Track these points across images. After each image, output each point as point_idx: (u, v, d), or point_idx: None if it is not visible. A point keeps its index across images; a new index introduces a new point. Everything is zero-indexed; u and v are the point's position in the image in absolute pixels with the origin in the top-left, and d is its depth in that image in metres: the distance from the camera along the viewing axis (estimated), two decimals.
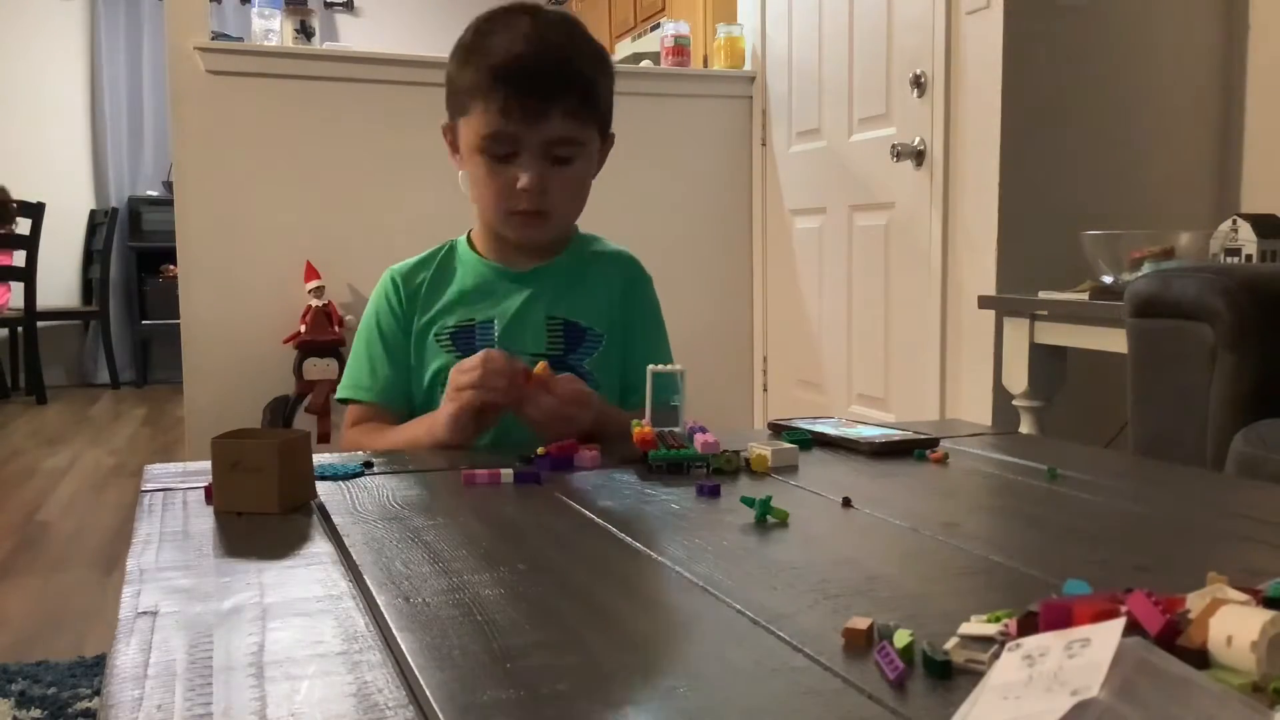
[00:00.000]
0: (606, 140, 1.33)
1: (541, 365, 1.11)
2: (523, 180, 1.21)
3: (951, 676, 0.51)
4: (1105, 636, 0.37)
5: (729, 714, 0.48)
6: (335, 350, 3.01)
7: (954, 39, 2.54)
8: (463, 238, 1.38)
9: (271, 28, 3.23)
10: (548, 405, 1.10)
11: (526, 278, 1.31)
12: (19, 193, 5.49)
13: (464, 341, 1.28)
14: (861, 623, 0.56)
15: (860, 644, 0.55)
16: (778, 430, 1.17)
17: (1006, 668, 0.39)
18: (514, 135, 1.21)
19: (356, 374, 1.32)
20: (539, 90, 1.20)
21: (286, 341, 3.00)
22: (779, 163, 3.37)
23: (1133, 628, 0.51)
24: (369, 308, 1.34)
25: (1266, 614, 0.46)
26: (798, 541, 0.76)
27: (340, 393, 1.33)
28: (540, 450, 1.01)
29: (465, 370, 1.11)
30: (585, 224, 1.40)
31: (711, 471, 0.98)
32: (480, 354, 1.11)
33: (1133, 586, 0.59)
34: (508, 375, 1.10)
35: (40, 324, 5.45)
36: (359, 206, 3.02)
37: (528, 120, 1.20)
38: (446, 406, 1.13)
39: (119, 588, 0.66)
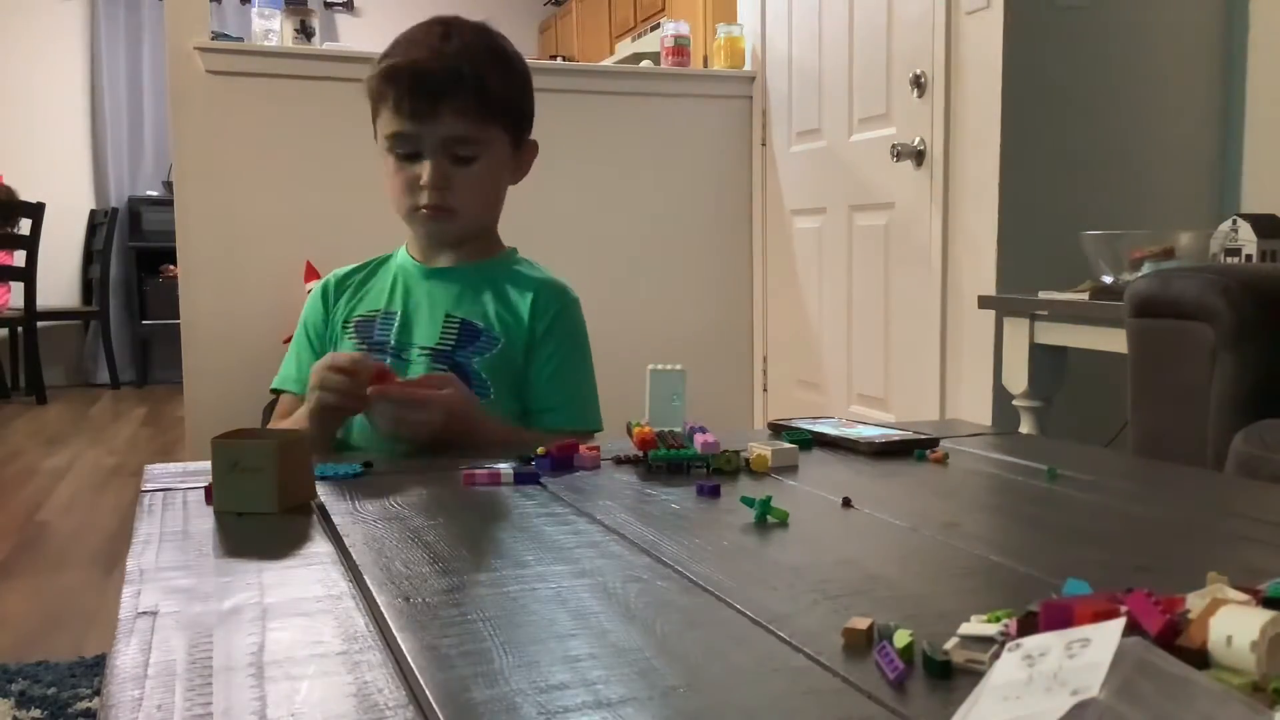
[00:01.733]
0: (525, 146, 1.37)
1: (379, 365, 1.12)
2: (423, 176, 1.27)
3: (951, 676, 0.51)
4: (1105, 636, 0.37)
5: (729, 714, 0.47)
6: None
7: (954, 39, 2.54)
8: (404, 247, 1.43)
9: (271, 28, 3.23)
10: (383, 408, 1.11)
11: (436, 274, 1.35)
12: (20, 193, 5.50)
13: (364, 330, 1.33)
14: (861, 623, 0.56)
15: (860, 644, 0.55)
16: (778, 430, 1.17)
17: (1006, 668, 0.39)
18: (413, 135, 1.27)
19: (285, 367, 1.38)
20: (428, 89, 1.25)
21: (286, 341, 2.99)
22: (779, 163, 3.37)
23: (1133, 628, 0.51)
24: (305, 307, 1.42)
25: (1267, 614, 0.46)
26: (798, 541, 0.76)
27: (273, 384, 1.38)
28: (540, 450, 1.01)
29: (315, 369, 1.15)
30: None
31: (711, 471, 0.98)
32: (329, 354, 1.17)
33: (1133, 587, 0.59)
34: (350, 374, 1.11)
35: (40, 324, 5.45)
36: (359, 206, 3.02)
37: (420, 119, 1.25)
38: (308, 401, 1.16)
39: (119, 588, 0.66)
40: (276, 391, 1.37)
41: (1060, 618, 0.50)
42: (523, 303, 1.34)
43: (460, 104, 1.26)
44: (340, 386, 1.11)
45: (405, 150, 1.28)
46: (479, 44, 1.31)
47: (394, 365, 1.25)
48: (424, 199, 1.29)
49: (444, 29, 1.30)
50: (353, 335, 1.34)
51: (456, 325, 1.33)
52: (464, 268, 1.36)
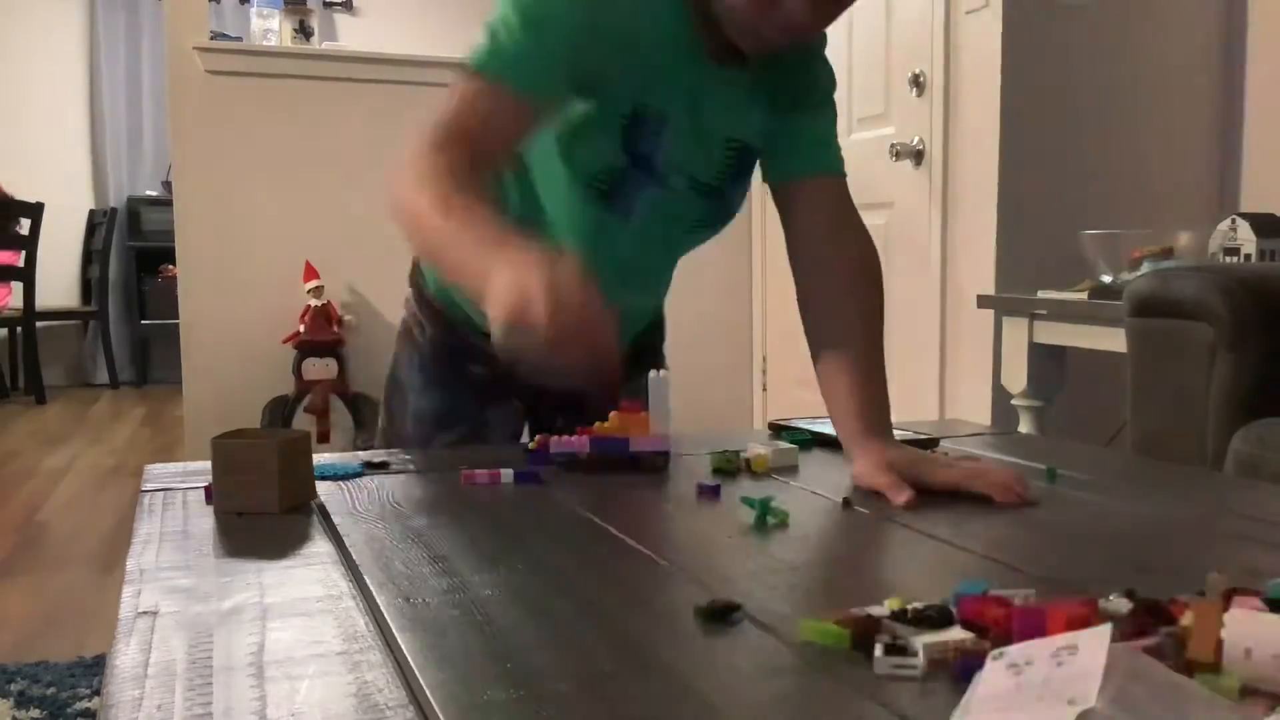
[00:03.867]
0: None
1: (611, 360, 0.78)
2: (792, 15, 0.96)
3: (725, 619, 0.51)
4: (1093, 644, 0.37)
5: (729, 714, 0.48)
6: (334, 350, 3.00)
7: (953, 39, 2.54)
8: None
9: (271, 28, 3.23)
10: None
11: (731, 85, 1.08)
12: (19, 193, 5.49)
13: (631, 132, 1.04)
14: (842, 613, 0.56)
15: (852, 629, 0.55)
16: (778, 430, 1.17)
17: (993, 677, 0.39)
18: None
19: (517, 56, 0.97)
20: None
21: (286, 341, 3.00)
22: None
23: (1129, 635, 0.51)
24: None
25: None
26: (798, 541, 0.76)
27: (480, 63, 0.97)
28: (532, 445, 1.01)
29: (566, 305, 0.75)
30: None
31: (712, 471, 0.98)
32: (592, 308, 0.76)
33: (1134, 587, 0.59)
34: (591, 350, 0.76)
35: (40, 324, 5.45)
36: (359, 206, 3.02)
37: None
38: (504, 281, 0.77)
39: (119, 588, 0.66)
40: (496, 78, 0.97)
41: (1034, 625, 0.50)
42: (800, 94, 1.12)
43: None
44: (573, 357, 0.76)
45: None
46: None
47: (654, 197, 1.06)
48: (779, 35, 0.99)
49: None
50: (622, 147, 1.05)
51: (737, 151, 1.11)
52: (764, 71, 1.09)
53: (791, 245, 1.16)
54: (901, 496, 0.87)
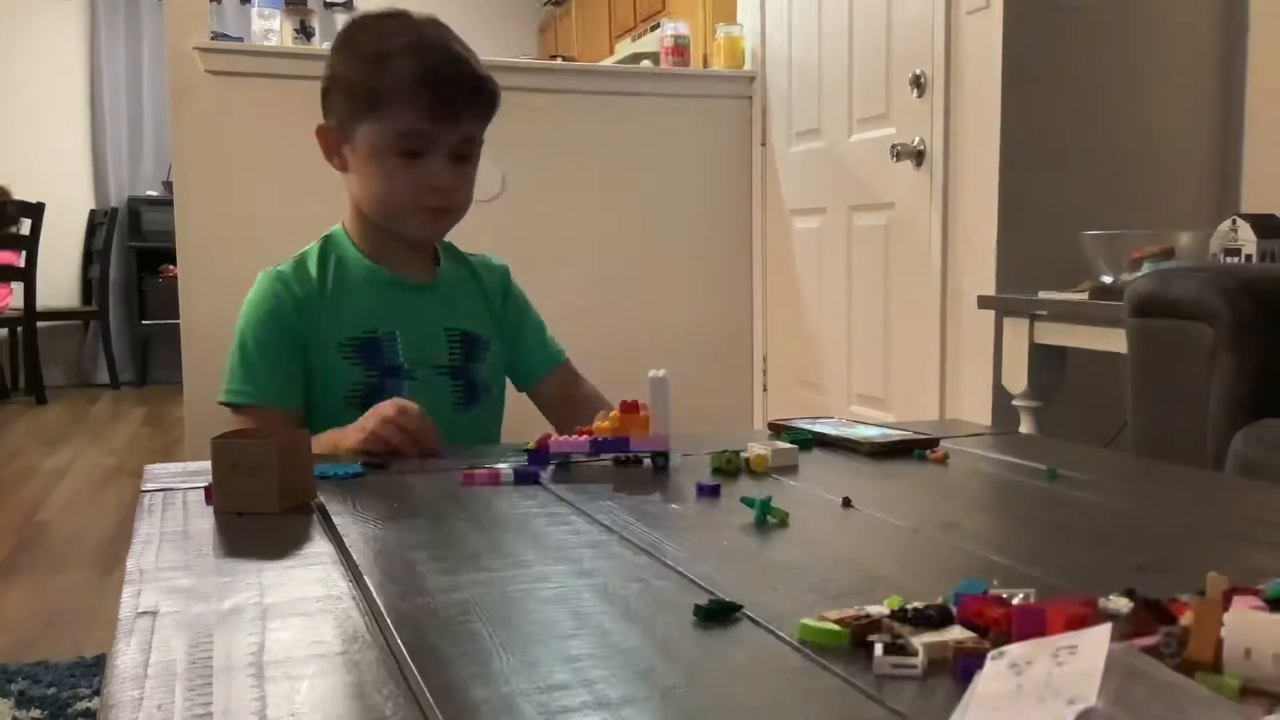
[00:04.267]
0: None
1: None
2: (439, 177, 1.28)
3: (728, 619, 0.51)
4: (1093, 643, 0.37)
5: (729, 714, 0.48)
6: None
7: (954, 39, 2.54)
8: (340, 235, 1.39)
9: (271, 28, 3.23)
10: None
11: (424, 290, 1.36)
12: (19, 193, 5.49)
13: (369, 353, 1.30)
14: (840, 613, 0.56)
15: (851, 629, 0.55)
16: (778, 430, 1.17)
17: (992, 677, 0.39)
18: (429, 134, 1.27)
19: (258, 378, 1.31)
20: (460, 92, 1.28)
21: None
22: (779, 163, 3.37)
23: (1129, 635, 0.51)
24: (252, 312, 1.34)
25: None
26: (798, 541, 0.76)
27: (233, 397, 1.32)
28: (531, 444, 1.02)
29: (381, 415, 1.11)
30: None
31: (712, 471, 0.98)
32: (397, 405, 1.11)
33: (1134, 587, 0.59)
34: (416, 435, 1.10)
35: (40, 324, 5.45)
36: None
37: (446, 120, 1.27)
38: (353, 435, 1.12)
39: (119, 588, 0.66)
40: (234, 406, 1.31)
41: (1034, 624, 0.50)
42: (493, 298, 1.43)
43: (480, 106, 1.31)
44: (414, 436, 1.09)
45: (415, 148, 1.27)
46: (468, 47, 1.34)
47: (410, 387, 1.28)
48: (432, 199, 1.30)
49: (435, 26, 1.32)
50: (355, 360, 1.30)
51: (459, 337, 1.36)
52: (442, 279, 1.39)
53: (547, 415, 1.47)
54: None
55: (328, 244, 1.38)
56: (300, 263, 1.36)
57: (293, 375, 1.31)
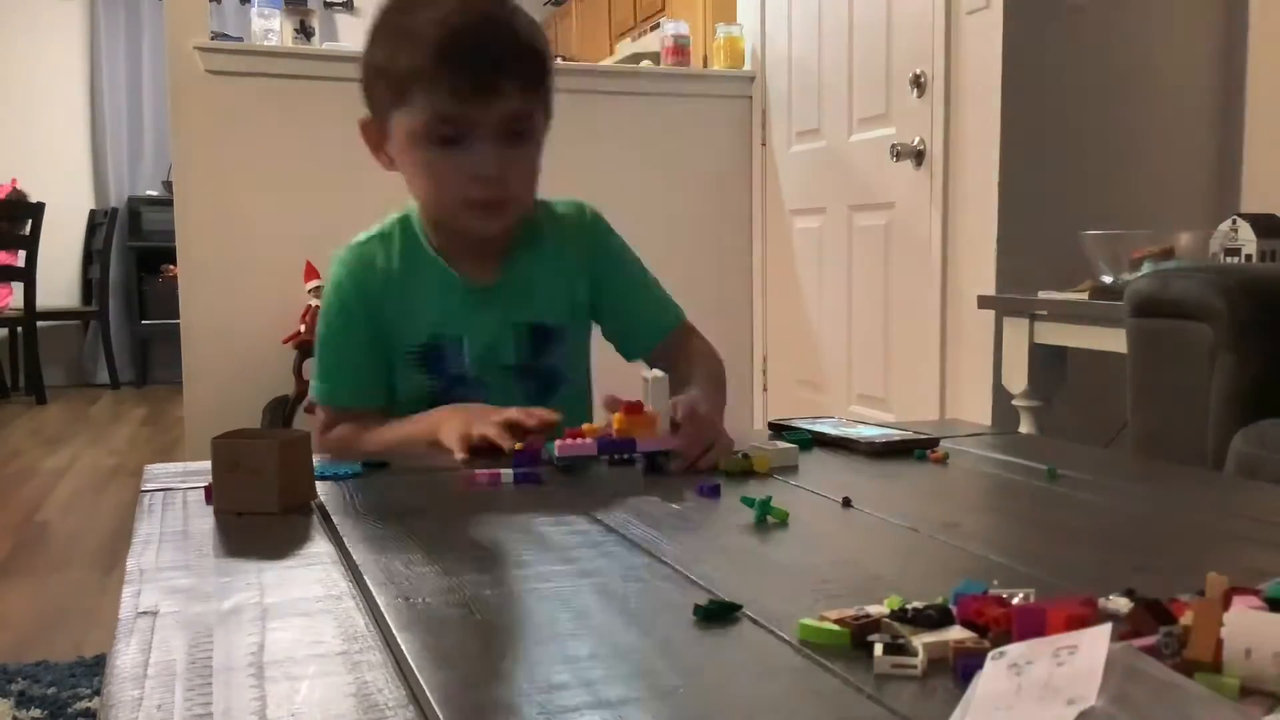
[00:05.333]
0: (548, 120, 1.21)
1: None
2: (483, 165, 1.11)
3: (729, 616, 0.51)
4: (1093, 643, 0.37)
5: (729, 714, 0.48)
6: None
7: (954, 39, 2.54)
8: (414, 220, 1.25)
9: (271, 28, 3.23)
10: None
11: (491, 293, 1.23)
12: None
13: (435, 361, 1.22)
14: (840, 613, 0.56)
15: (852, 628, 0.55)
16: (778, 430, 1.17)
17: (992, 677, 0.39)
18: (465, 116, 1.10)
19: (338, 375, 1.24)
20: (490, 63, 1.09)
21: (286, 341, 3.00)
22: (779, 163, 3.37)
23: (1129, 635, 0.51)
24: (326, 305, 1.26)
25: None
26: (798, 541, 0.76)
27: (321, 396, 1.24)
28: (518, 445, 1.00)
29: (486, 416, 1.07)
30: None
31: (725, 474, 0.98)
32: (488, 409, 1.08)
33: (1133, 587, 0.59)
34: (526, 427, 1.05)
35: (40, 324, 5.45)
36: (359, 206, 3.01)
37: (481, 98, 1.09)
38: (453, 425, 1.08)
39: (119, 588, 0.66)
40: (328, 405, 1.23)
41: (1034, 624, 0.50)
42: (569, 270, 1.27)
43: (523, 77, 1.12)
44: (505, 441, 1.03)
45: (451, 134, 1.11)
46: (513, 6, 1.16)
47: (478, 393, 1.21)
48: (479, 191, 1.13)
49: None
50: (420, 368, 1.22)
51: (527, 333, 1.24)
52: (511, 276, 1.24)
53: None
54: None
55: (403, 231, 1.25)
56: (373, 250, 1.24)
57: (371, 371, 1.23)
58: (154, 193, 6.09)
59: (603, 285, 1.29)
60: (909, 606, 0.56)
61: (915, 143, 2.68)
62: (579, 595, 0.63)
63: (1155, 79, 2.51)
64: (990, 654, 0.40)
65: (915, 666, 0.51)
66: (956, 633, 0.54)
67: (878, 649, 0.52)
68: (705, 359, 1.33)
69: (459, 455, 1.03)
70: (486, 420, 1.06)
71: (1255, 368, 1.60)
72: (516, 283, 1.25)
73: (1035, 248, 2.41)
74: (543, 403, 1.21)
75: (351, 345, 1.23)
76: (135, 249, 5.99)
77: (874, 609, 0.57)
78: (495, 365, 1.23)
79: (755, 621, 0.59)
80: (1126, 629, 0.51)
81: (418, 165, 1.15)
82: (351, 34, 6.16)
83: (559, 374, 1.27)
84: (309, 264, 3.00)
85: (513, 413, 1.06)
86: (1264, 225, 2.04)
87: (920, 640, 0.52)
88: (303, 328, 2.98)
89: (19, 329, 5.55)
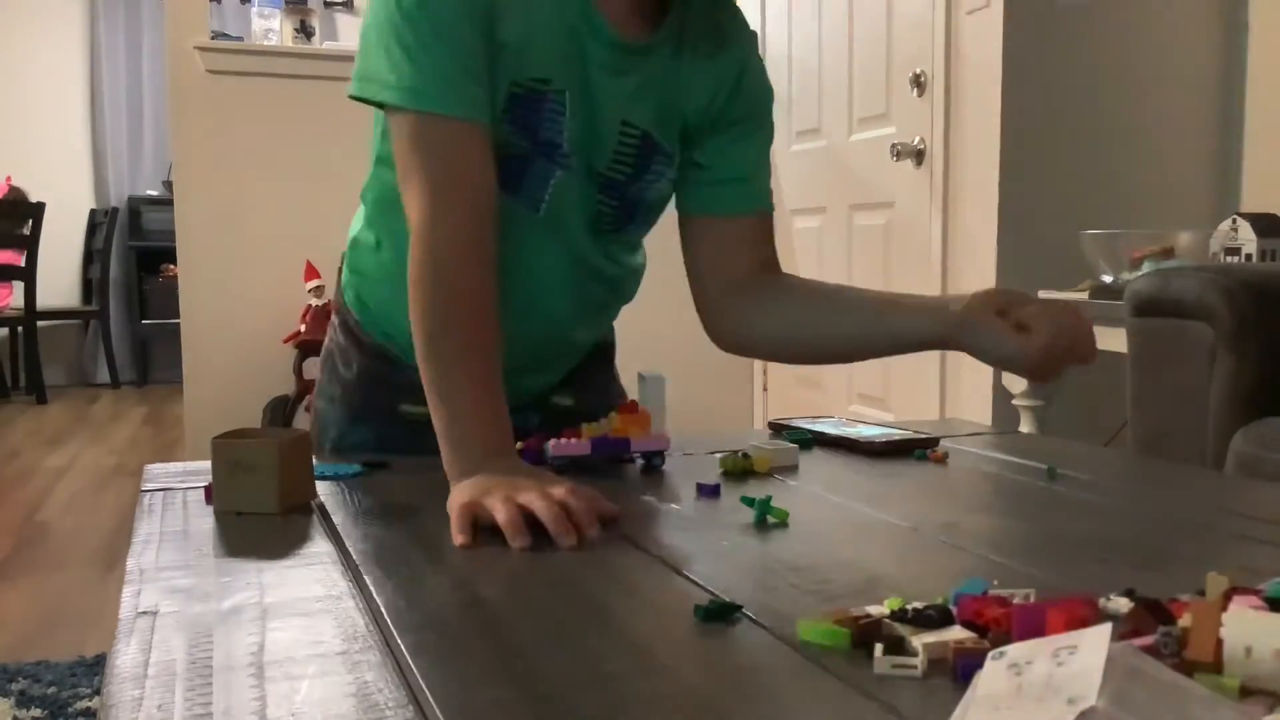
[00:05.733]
0: None
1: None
2: None
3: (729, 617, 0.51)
4: (1093, 643, 0.37)
5: (729, 714, 0.47)
6: None
7: (954, 39, 2.54)
8: None
9: (271, 27, 3.24)
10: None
11: (633, 57, 0.95)
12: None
13: (527, 117, 0.93)
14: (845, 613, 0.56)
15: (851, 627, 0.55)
16: (778, 430, 1.17)
17: (992, 677, 0.39)
18: None
19: (425, 63, 0.87)
20: None
21: (286, 341, 3.00)
22: (778, 163, 3.37)
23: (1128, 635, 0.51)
24: None
25: None
26: (798, 541, 0.76)
27: (395, 94, 0.87)
28: (519, 445, 1.00)
29: (547, 494, 0.75)
30: None
31: (722, 474, 0.98)
32: (568, 495, 0.75)
33: (1133, 587, 0.59)
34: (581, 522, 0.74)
35: (40, 323, 5.46)
36: (359, 206, 3.01)
37: None
38: (500, 495, 0.75)
39: (119, 588, 0.66)
40: (418, 109, 0.88)
41: (1034, 624, 0.50)
42: (699, 78, 1.00)
43: None
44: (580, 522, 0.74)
45: None
46: None
47: (556, 183, 0.95)
48: None
49: None
50: (508, 124, 0.93)
51: (636, 141, 0.98)
52: (659, 44, 0.97)
53: (704, 281, 1.08)
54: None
55: None
56: None
57: (477, 76, 0.89)
58: (154, 192, 6.09)
59: (719, 120, 1.02)
60: (909, 607, 0.56)
61: (915, 142, 2.68)
62: (578, 595, 0.63)
63: (1155, 79, 2.51)
64: (990, 654, 0.40)
65: (915, 667, 0.51)
66: (957, 633, 0.54)
67: (878, 649, 0.52)
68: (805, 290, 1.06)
69: (459, 540, 0.73)
70: (531, 494, 0.75)
71: (1255, 367, 1.60)
72: (662, 60, 0.98)
73: (1035, 247, 2.41)
74: (600, 238, 1.02)
75: (455, 31, 0.88)
76: (135, 249, 6.00)
77: (874, 609, 0.57)
78: (584, 157, 0.97)
79: (755, 621, 0.59)
80: (1127, 629, 0.51)
81: None
82: (351, 33, 6.16)
83: (644, 208, 1.03)
84: (309, 264, 3.00)
85: (574, 500, 0.75)
86: (1264, 225, 2.04)
87: (920, 640, 0.52)
88: (302, 327, 2.98)
89: (19, 329, 5.55)
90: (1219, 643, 0.46)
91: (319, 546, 0.74)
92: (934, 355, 2.65)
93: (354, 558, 0.71)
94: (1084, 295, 2.09)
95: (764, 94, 1.06)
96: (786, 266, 1.13)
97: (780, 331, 1.05)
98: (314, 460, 0.92)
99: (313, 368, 2.98)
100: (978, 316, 0.89)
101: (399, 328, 0.96)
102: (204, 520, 0.82)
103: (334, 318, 1.18)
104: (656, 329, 3.36)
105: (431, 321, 0.86)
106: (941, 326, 0.91)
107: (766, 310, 1.05)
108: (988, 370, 2.44)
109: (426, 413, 0.86)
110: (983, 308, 0.88)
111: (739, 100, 1.03)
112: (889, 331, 0.96)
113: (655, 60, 0.98)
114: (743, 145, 1.04)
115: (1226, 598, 0.53)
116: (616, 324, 1.24)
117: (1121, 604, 0.57)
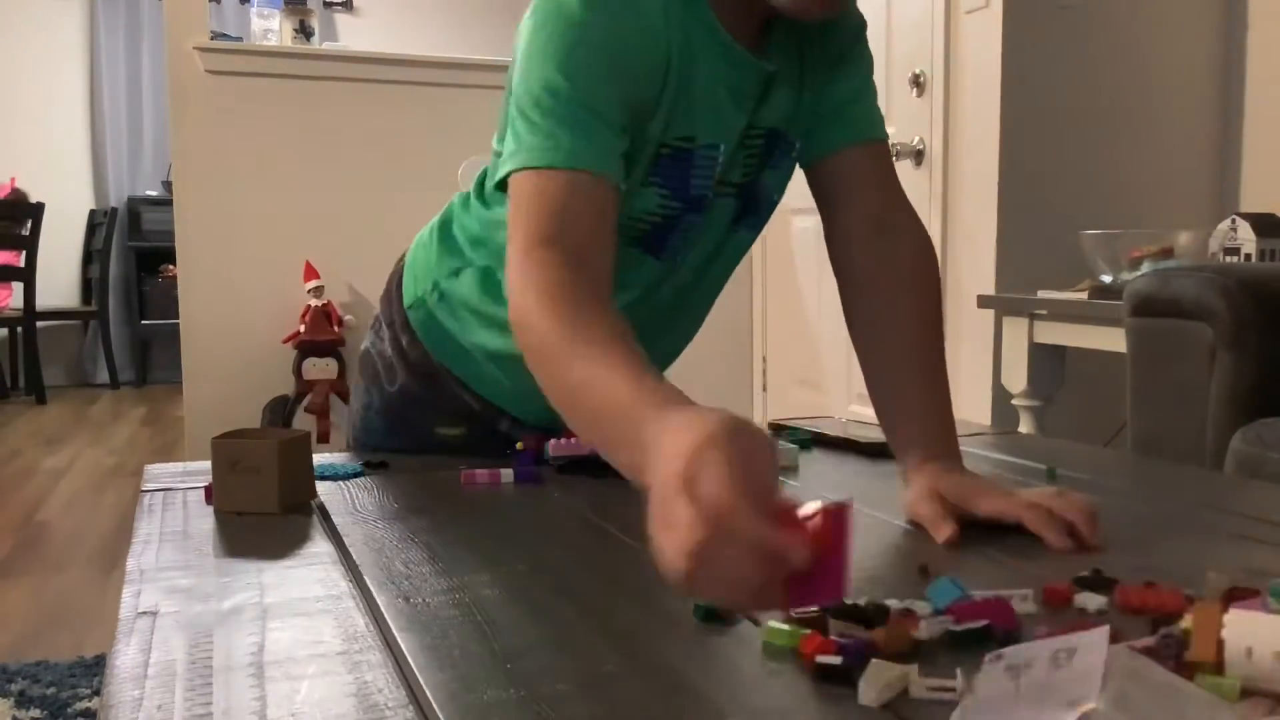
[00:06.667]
0: None
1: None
2: None
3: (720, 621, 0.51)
4: (1092, 645, 0.37)
5: (729, 714, 0.47)
6: (334, 350, 3.00)
7: (953, 39, 2.54)
8: None
9: (271, 28, 3.23)
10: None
11: (775, 76, 0.91)
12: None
13: (676, 174, 0.89)
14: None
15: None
16: (778, 430, 1.17)
17: (990, 681, 0.39)
18: None
19: (575, 125, 0.79)
20: None
21: (286, 341, 3.00)
22: None
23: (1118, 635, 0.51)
24: (575, 33, 0.81)
25: None
26: None
27: (542, 156, 0.78)
28: (520, 445, 1.00)
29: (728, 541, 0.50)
30: None
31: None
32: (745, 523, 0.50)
33: (1114, 577, 0.59)
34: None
35: (40, 324, 5.45)
36: (359, 206, 3.01)
37: None
38: (678, 533, 0.54)
39: (119, 588, 0.66)
40: (568, 167, 0.78)
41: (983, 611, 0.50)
42: (809, 62, 0.95)
43: None
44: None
45: None
46: None
47: (702, 221, 0.92)
48: None
49: None
50: (659, 185, 0.89)
51: (761, 140, 0.94)
52: (780, 34, 0.92)
53: (830, 241, 1.00)
54: (943, 533, 0.76)
55: None
56: None
57: (618, 135, 0.82)
58: (154, 193, 6.09)
59: (825, 89, 0.97)
60: (852, 602, 0.56)
61: (915, 142, 2.68)
62: (578, 595, 0.63)
63: (1155, 78, 2.51)
64: (987, 657, 0.40)
65: (954, 690, 0.48)
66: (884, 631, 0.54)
67: (913, 673, 0.49)
68: (916, 287, 1.01)
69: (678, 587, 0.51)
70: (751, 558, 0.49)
71: (1255, 367, 1.60)
72: (787, 63, 0.93)
73: (1035, 247, 2.41)
74: (733, 231, 0.99)
75: (602, 90, 0.80)
76: (135, 249, 5.99)
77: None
78: (728, 182, 0.94)
79: (755, 621, 0.59)
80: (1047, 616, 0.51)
81: None
82: (351, 34, 6.16)
83: (768, 195, 0.99)
84: (308, 264, 3.00)
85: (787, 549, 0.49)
86: (1263, 225, 2.04)
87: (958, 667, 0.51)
88: (302, 327, 2.98)
89: (19, 329, 5.55)
90: (1220, 643, 0.46)
91: (319, 546, 0.74)
92: None
93: (354, 558, 0.71)
94: (1083, 295, 2.09)
95: (859, 26, 1.00)
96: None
97: (857, 331, 1.02)
98: (314, 460, 0.92)
99: (312, 368, 2.99)
100: (910, 479, 0.86)
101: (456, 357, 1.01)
102: (204, 520, 0.82)
103: (383, 329, 1.10)
104: None
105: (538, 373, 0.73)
106: (903, 465, 0.89)
107: (856, 309, 1.02)
108: (988, 370, 2.44)
109: (459, 434, 0.85)
110: (923, 489, 0.82)
111: (843, 75, 0.98)
112: (891, 427, 0.95)
113: (782, 77, 0.93)
114: (839, 80, 0.97)
115: (1226, 598, 0.53)
116: None
117: (1099, 601, 0.57)
